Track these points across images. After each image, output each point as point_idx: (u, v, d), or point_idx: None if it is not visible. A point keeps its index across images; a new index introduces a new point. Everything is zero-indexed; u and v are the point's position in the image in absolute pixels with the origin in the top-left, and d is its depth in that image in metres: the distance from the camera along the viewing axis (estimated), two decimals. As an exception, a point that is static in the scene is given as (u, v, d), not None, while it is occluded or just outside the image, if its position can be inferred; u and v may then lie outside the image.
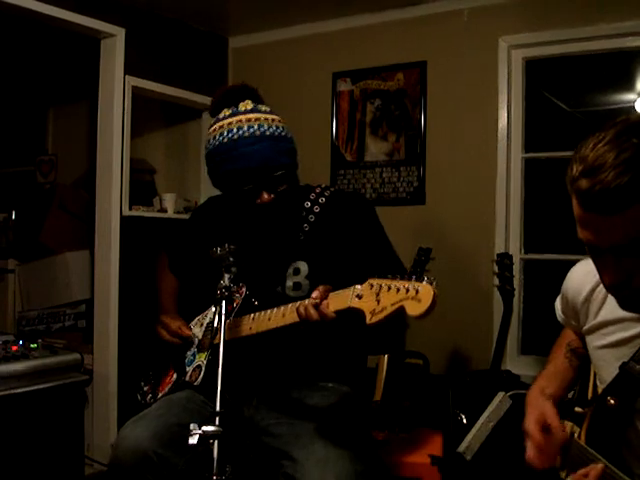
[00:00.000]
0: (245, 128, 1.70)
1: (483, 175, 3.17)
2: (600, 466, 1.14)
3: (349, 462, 1.55)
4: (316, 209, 1.83)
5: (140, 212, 3.48)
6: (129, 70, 3.32)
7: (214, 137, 1.74)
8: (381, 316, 1.26)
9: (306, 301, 1.46)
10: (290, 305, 1.53)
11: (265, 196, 1.71)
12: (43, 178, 4.47)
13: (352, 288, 1.36)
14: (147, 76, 3.43)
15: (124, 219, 3.33)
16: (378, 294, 1.28)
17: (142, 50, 3.42)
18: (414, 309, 1.21)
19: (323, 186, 1.91)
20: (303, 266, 1.79)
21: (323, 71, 3.61)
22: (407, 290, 1.22)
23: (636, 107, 3.60)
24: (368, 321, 1.28)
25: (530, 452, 1.34)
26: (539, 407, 1.41)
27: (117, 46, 3.27)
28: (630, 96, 3.64)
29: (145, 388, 1.92)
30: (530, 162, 3.18)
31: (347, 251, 1.76)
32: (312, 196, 1.86)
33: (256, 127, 1.70)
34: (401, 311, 1.23)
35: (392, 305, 1.24)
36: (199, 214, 2.14)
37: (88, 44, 3.36)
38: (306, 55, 3.68)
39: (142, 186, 3.77)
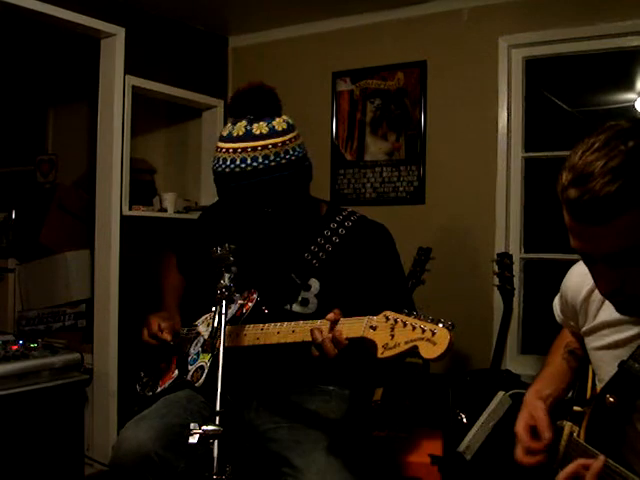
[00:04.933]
0: (229, 162, 1.66)
1: (483, 174, 3.17)
2: (602, 458, 1.13)
3: (350, 472, 1.55)
4: (341, 232, 1.83)
5: (140, 212, 3.48)
6: (129, 70, 3.32)
7: (213, 159, 1.73)
8: (393, 352, 1.25)
9: (320, 325, 1.44)
10: (302, 322, 1.52)
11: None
12: (43, 178, 4.46)
13: (366, 318, 1.34)
14: (147, 76, 3.43)
15: (124, 219, 3.33)
16: (393, 329, 1.26)
17: (142, 50, 3.42)
18: (428, 352, 1.19)
19: (350, 210, 1.91)
20: (315, 284, 1.79)
21: (323, 71, 3.61)
22: (423, 330, 1.21)
23: (636, 107, 3.60)
24: (379, 355, 1.27)
25: (518, 453, 1.37)
26: (530, 409, 1.42)
27: (117, 46, 3.27)
28: (630, 95, 3.64)
29: (145, 380, 1.91)
30: (530, 161, 3.18)
31: (361, 280, 1.75)
32: (339, 218, 1.86)
33: (238, 162, 1.66)
34: (414, 351, 1.22)
35: (406, 343, 1.23)
36: (210, 214, 2.12)
37: (88, 44, 3.36)
38: (306, 55, 3.68)
39: (142, 186, 3.77)
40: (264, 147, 1.67)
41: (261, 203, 1.69)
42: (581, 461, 1.17)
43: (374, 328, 1.31)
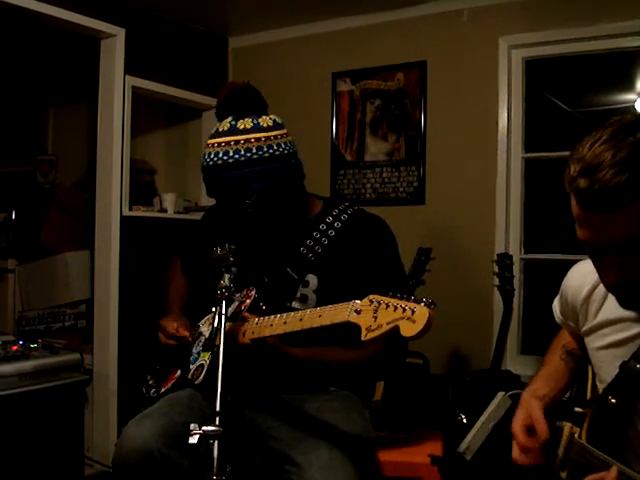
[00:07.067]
0: (213, 156, 1.69)
1: (483, 175, 3.17)
2: (614, 469, 1.13)
3: (353, 468, 1.54)
4: (337, 225, 1.82)
5: (140, 212, 3.48)
6: (129, 70, 3.32)
7: (202, 156, 1.76)
8: (376, 334, 1.25)
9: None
10: (293, 313, 1.53)
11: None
12: (43, 178, 4.46)
13: (351, 303, 1.35)
14: (147, 76, 3.43)
15: (124, 219, 3.33)
16: (376, 311, 1.27)
17: (142, 50, 3.42)
18: (408, 330, 1.20)
19: (347, 204, 1.89)
20: (313, 279, 1.78)
21: (323, 71, 3.61)
22: (404, 310, 1.22)
23: (636, 107, 3.60)
24: (363, 337, 1.28)
25: (515, 452, 1.39)
26: (526, 408, 1.42)
27: (117, 46, 3.27)
28: (630, 96, 3.64)
29: (150, 382, 1.92)
30: (530, 162, 3.18)
31: (359, 273, 1.75)
32: (335, 212, 1.85)
33: (221, 154, 1.68)
34: (396, 330, 1.22)
35: (387, 324, 1.24)
36: (211, 215, 2.11)
37: (88, 44, 3.36)
38: (306, 55, 3.68)
39: (142, 186, 3.77)
40: (247, 140, 1.68)
41: (242, 195, 1.70)
42: (592, 477, 1.16)
43: (358, 312, 1.32)
